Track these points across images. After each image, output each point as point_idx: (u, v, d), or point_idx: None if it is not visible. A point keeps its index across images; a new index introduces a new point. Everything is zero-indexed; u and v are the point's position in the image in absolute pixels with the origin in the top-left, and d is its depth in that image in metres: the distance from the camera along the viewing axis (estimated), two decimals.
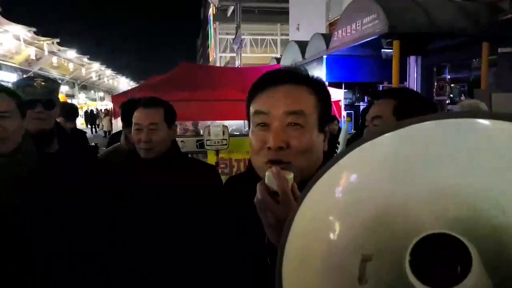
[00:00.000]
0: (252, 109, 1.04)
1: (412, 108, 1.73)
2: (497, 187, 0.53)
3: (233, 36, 17.12)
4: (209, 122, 6.67)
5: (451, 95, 9.86)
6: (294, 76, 1.04)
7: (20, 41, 21.55)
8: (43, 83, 2.09)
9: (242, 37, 16.34)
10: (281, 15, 26.38)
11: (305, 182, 0.97)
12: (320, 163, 1.04)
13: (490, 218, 0.52)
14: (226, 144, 5.18)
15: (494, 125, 0.53)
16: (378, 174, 0.60)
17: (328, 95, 1.09)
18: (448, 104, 9.48)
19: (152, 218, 1.80)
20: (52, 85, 2.16)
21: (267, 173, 0.88)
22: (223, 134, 5.13)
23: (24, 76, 23.21)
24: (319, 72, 11.09)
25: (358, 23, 8.56)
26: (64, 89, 24.29)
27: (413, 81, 8.67)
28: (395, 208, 0.58)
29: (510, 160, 0.52)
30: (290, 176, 0.87)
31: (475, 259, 0.47)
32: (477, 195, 0.54)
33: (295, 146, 0.97)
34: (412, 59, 8.56)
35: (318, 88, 1.04)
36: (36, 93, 2.06)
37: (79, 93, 38.79)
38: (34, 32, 22.09)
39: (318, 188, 0.64)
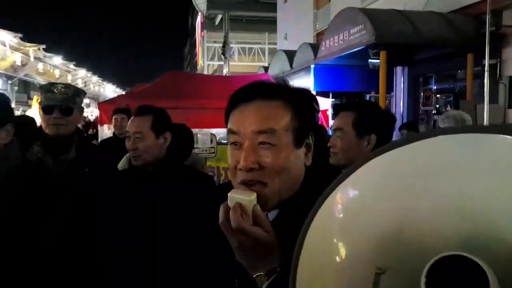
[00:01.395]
0: (228, 127, 1.00)
1: (370, 120, 1.85)
2: (498, 202, 0.52)
3: (221, 44, 17.15)
4: (197, 130, 6.61)
5: (437, 106, 9.97)
6: (266, 91, 0.98)
7: (5, 46, 21.29)
8: (62, 90, 2.14)
9: (230, 45, 16.37)
10: (269, 24, 26.50)
11: (285, 201, 0.97)
12: (302, 179, 1.00)
13: (499, 234, 0.51)
14: (214, 152, 5.14)
15: (499, 139, 0.51)
16: (387, 193, 0.59)
17: (307, 105, 1.03)
18: (434, 114, 9.58)
19: (127, 222, 1.82)
20: (73, 92, 2.20)
21: (228, 195, 0.86)
22: (211, 142, 5.09)
23: (9, 82, 22.92)
24: (307, 81, 11.14)
25: (346, 33, 8.63)
26: None
27: (400, 91, 8.76)
28: (408, 225, 0.57)
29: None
30: (253, 197, 0.85)
31: (492, 282, 0.45)
32: (486, 211, 0.53)
33: (268, 165, 0.92)
34: (398, 69, 8.66)
35: (294, 100, 0.99)
36: (54, 99, 2.12)
37: None
38: (20, 38, 21.83)
39: (324, 210, 0.63)
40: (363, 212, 0.60)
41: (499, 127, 0.52)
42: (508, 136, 0.51)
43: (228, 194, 0.87)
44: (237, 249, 0.87)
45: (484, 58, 5.69)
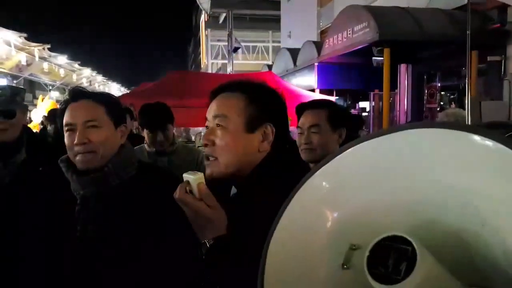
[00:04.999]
0: None
1: (341, 115, 1.99)
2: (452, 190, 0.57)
3: (225, 43, 17.15)
4: (200, 128, 6.63)
5: (441, 103, 9.93)
6: (230, 86, 1.20)
7: (10, 46, 21.38)
8: None
9: (235, 45, 16.37)
10: (273, 22, 26.43)
11: (237, 176, 1.14)
12: (256, 163, 1.15)
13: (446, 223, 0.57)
14: None
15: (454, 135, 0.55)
16: (354, 183, 0.66)
17: (265, 98, 1.19)
18: (439, 111, 9.55)
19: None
20: (11, 92, 2.03)
21: (183, 175, 1.03)
22: None
23: (14, 81, 23.00)
24: (311, 79, 11.14)
25: (349, 31, 8.62)
26: (54, 95, 24.13)
27: (404, 89, 8.74)
28: (375, 211, 0.64)
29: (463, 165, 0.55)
30: (197, 176, 1.01)
31: (421, 256, 0.51)
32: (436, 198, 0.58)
33: (217, 143, 1.13)
34: (402, 66, 8.63)
35: (251, 92, 1.17)
36: None
37: None
38: (25, 38, 21.91)
39: (306, 189, 0.70)
40: (336, 197, 0.67)
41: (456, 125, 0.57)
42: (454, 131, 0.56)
43: (183, 175, 1.02)
44: (190, 218, 1.02)
45: (489, 55, 5.68)
